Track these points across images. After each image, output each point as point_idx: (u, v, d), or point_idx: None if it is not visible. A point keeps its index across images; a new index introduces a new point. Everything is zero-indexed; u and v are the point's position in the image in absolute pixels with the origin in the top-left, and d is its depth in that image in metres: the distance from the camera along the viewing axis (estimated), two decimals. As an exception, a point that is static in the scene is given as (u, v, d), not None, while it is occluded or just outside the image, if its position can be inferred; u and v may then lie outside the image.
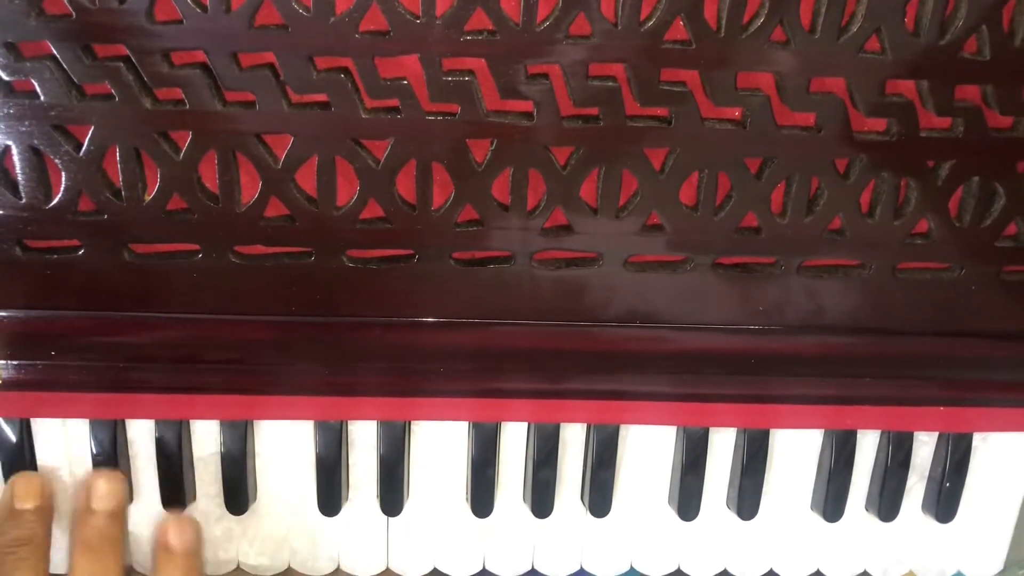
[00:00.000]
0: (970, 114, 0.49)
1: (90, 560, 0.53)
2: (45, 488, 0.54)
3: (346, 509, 0.59)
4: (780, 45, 0.47)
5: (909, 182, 0.51)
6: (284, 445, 0.58)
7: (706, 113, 0.48)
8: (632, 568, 0.63)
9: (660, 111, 0.48)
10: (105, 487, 0.55)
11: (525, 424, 0.59)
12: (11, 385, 0.53)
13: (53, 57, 0.45)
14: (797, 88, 0.48)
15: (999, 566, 0.65)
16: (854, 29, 0.47)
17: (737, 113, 0.49)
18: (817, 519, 0.62)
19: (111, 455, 0.56)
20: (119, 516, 0.55)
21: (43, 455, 0.57)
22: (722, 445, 0.60)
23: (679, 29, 0.46)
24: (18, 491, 0.54)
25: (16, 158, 0.47)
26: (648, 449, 0.60)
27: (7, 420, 0.56)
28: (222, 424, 0.57)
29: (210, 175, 0.48)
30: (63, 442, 0.57)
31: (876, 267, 0.53)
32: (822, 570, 0.64)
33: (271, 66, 0.46)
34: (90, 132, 0.47)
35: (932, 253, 0.53)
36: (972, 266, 0.53)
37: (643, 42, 0.46)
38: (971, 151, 0.50)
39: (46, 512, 0.54)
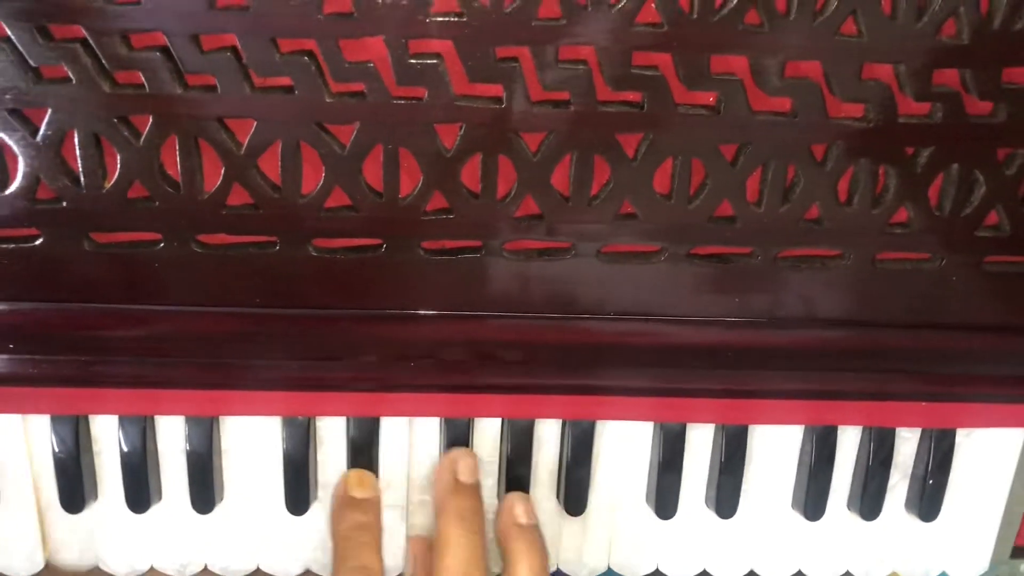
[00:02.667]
0: (949, 99, 0.48)
1: (468, 530, 0.53)
2: (375, 482, 0.57)
3: (315, 508, 0.58)
4: (754, 28, 0.46)
5: (887, 169, 0.50)
6: (251, 442, 0.57)
7: (679, 98, 0.47)
8: (609, 569, 0.62)
9: (632, 96, 0.47)
10: (471, 462, 0.56)
11: (498, 420, 0.58)
12: (-32, 380, 0.52)
13: (7, 39, 0.44)
14: (772, 72, 0.47)
15: (985, 566, 0.64)
16: (830, 11, 0.46)
17: (711, 98, 0.48)
18: (798, 518, 0.61)
19: (73, 452, 0.55)
20: (479, 490, 0.56)
21: (3, 452, 0.55)
22: (700, 442, 0.59)
23: (651, 11, 0.45)
24: (352, 483, 0.57)
25: (-29, 143, 0.46)
26: (624, 446, 0.59)
27: (-35, 417, 0.54)
28: (188, 420, 0.55)
29: (171, 161, 0.47)
30: (24, 439, 0.55)
31: (855, 257, 0.52)
32: (804, 570, 0.63)
33: (233, 48, 0.45)
34: (47, 116, 0.45)
35: (912, 243, 0.52)
36: (953, 256, 0.52)
37: (614, 25, 0.45)
38: (950, 137, 0.49)
39: (377, 503, 0.57)
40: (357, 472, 0.57)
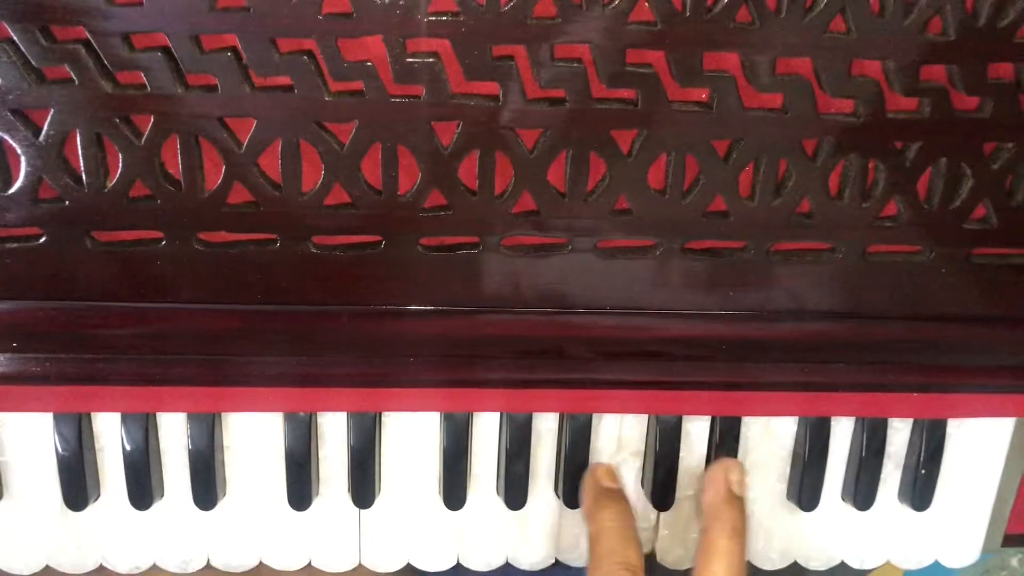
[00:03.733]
0: (936, 95, 0.49)
1: (737, 543, 0.54)
2: (619, 476, 0.59)
3: (317, 503, 0.59)
4: (746, 26, 0.47)
5: (877, 164, 0.51)
6: (253, 438, 0.58)
7: (672, 95, 0.48)
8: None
9: (626, 93, 0.48)
10: (741, 475, 0.57)
11: (497, 414, 0.58)
12: (-29, 379, 0.52)
13: (10, 40, 0.44)
14: (763, 69, 0.48)
15: (976, 555, 0.65)
16: (819, 9, 0.46)
17: (704, 95, 0.49)
18: (793, 509, 0.62)
19: (76, 450, 0.55)
20: (745, 503, 0.57)
21: (6, 450, 0.56)
22: (696, 433, 0.60)
23: (644, 10, 0.46)
24: (602, 474, 0.58)
25: (-26, 144, 0.47)
26: (621, 438, 0.59)
27: (-32, 415, 0.55)
28: (190, 417, 0.56)
29: (173, 160, 0.48)
30: (26, 437, 0.56)
31: (846, 250, 0.53)
32: (799, 560, 0.64)
33: (233, 49, 0.46)
34: (50, 116, 0.46)
35: (902, 236, 0.53)
36: (942, 249, 0.53)
37: (608, 23, 0.46)
38: (938, 132, 0.50)
39: (624, 494, 0.57)
40: (603, 465, 0.58)
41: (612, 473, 0.58)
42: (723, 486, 0.56)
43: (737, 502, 0.56)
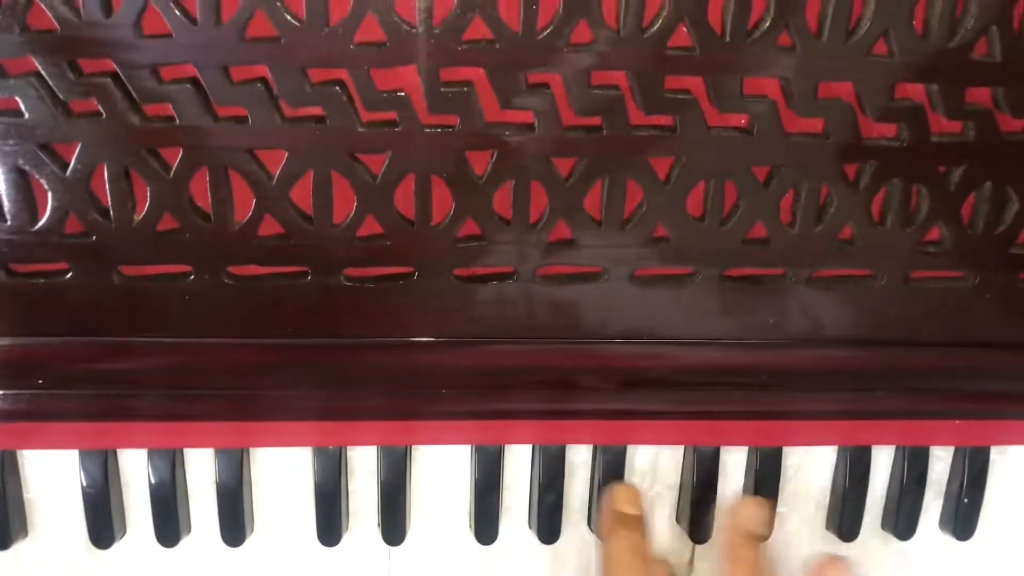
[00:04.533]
0: (981, 117, 0.48)
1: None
2: (641, 500, 0.56)
3: (346, 539, 0.57)
4: (786, 49, 0.46)
5: (920, 188, 0.50)
6: (282, 473, 0.56)
7: (712, 121, 0.47)
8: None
9: (664, 119, 0.47)
10: (766, 514, 0.56)
11: (530, 446, 0.57)
12: (-3, 416, 0.51)
13: (38, 73, 0.44)
14: (804, 93, 0.47)
15: (1020, 585, 0.64)
16: (862, 32, 0.45)
17: (743, 120, 0.48)
18: (832, 539, 0.60)
19: (102, 487, 0.54)
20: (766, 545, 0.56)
21: (32, 488, 0.55)
22: (734, 464, 0.58)
23: (683, 35, 0.45)
24: (622, 498, 0.55)
25: (0, 179, 0.46)
26: (657, 470, 0.58)
27: (-7, 453, 0.54)
28: (217, 452, 0.55)
29: (202, 193, 0.47)
30: (52, 475, 0.55)
31: (888, 277, 0.52)
32: (838, 592, 0.62)
33: (263, 80, 0.45)
34: (77, 151, 0.45)
35: (945, 261, 0.52)
36: (986, 274, 0.52)
37: (646, 49, 0.45)
38: (983, 155, 0.49)
39: (644, 523, 0.55)
40: (626, 487, 0.56)
41: (635, 497, 0.56)
42: (744, 525, 0.55)
43: (757, 542, 0.55)
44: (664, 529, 0.60)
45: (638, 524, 0.55)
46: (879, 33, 0.46)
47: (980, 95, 0.48)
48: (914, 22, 0.46)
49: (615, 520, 0.55)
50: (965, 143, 0.49)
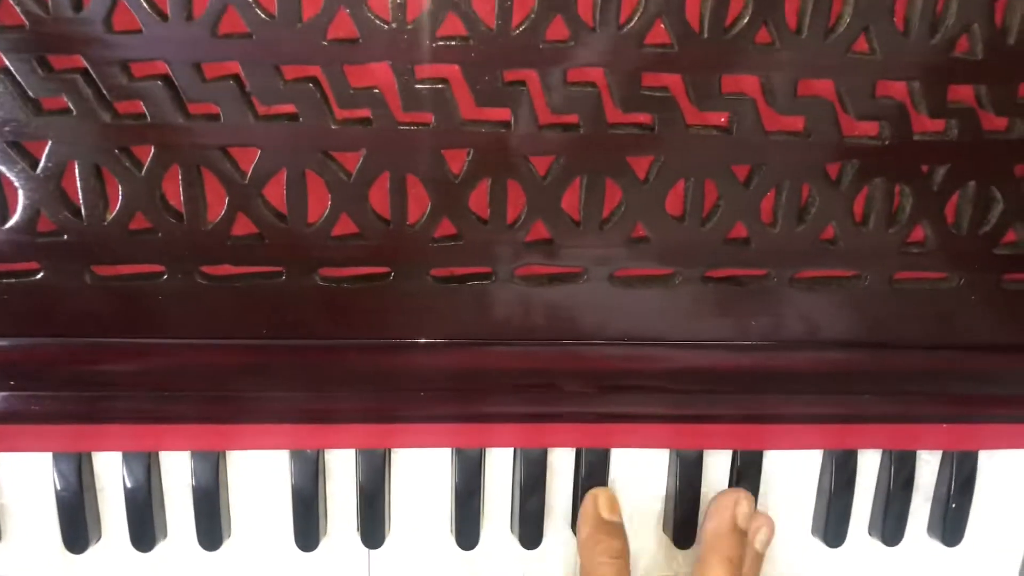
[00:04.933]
0: (964, 116, 0.47)
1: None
2: (619, 507, 0.56)
3: (324, 543, 0.57)
4: (765, 47, 0.45)
5: (903, 188, 0.49)
6: (259, 477, 0.56)
7: (690, 119, 0.47)
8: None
9: (643, 118, 0.47)
10: (749, 507, 0.56)
11: (511, 450, 0.56)
12: (-31, 418, 0.51)
13: (6, 70, 0.43)
14: (784, 91, 0.46)
15: (1010, 592, 0.63)
16: (841, 29, 0.45)
17: (723, 119, 0.47)
18: (818, 544, 0.60)
19: (76, 490, 0.54)
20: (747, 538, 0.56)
21: (3, 493, 0.54)
22: (717, 468, 0.58)
23: (660, 32, 0.45)
24: (603, 504, 0.55)
25: (-30, 177, 0.45)
26: (640, 474, 0.57)
27: (-35, 456, 0.53)
28: (193, 455, 0.54)
29: (174, 192, 0.46)
30: (25, 478, 0.54)
31: (871, 278, 0.51)
32: (825, 599, 0.62)
33: (236, 76, 0.44)
34: (47, 148, 0.45)
35: (929, 262, 0.51)
36: (971, 275, 0.51)
37: (623, 45, 0.45)
38: (966, 154, 0.48)
39: (623, 529, 0.55)
40: (606, 493, 0.56)
41: (614, 503, 0.56)
42: (728, 516, 0.55)
43: (740, 535, 0.54)
44: (647, 534, 0.59)
45: (619, 531, 0.54)
46: (859, 30, 0.45)
47: (963, 93, 0.47)
48: (895, 19, 0.45)
49: (598, 526, 0.54)
50: (948, 142, 0.48)
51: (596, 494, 0.55)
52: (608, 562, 0.53)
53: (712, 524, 0.55)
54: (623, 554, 0.54)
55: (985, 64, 0.46)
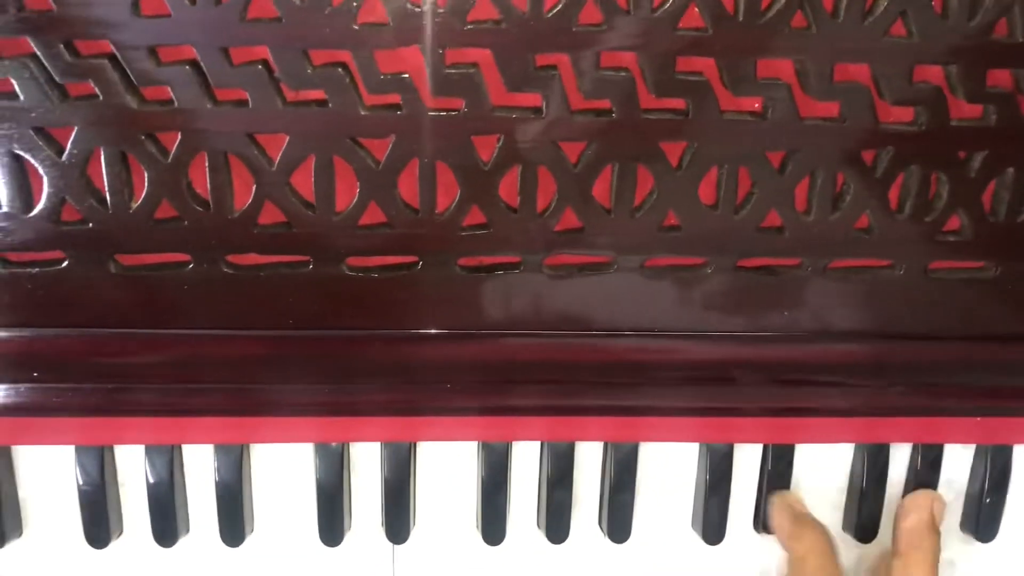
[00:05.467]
0: (1003, 101, 0.47)
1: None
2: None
3: (349, 538, 0.56)
4: (801, 30, 0.44)
5: (939, 175, 0.48)
6: (282, 471, 0.55)
7: (725, 105, 0.46)
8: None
9: (676, 103, 0.46)
10: (943, 508, 0.56)
11: (538, 443, 0.56)
12: (-9, 410, 0.50)
13: (33, 55, 0.43)
14: (820, 76, 0.46)
15: (1044, 589, 0.62)
16: (879, 12, 0.44)
17: (757, 104, 0.46)
18: (848, 539, 0.59)
19: (99, 484, 0.53)
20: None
21: (26, 485, 0.54)
22: (747, 462, 0.57)
23: (694, 15, 0.44)
24: (793, 499, 0.57)
25: (-6, 164, 0.45)
26: (670, 468, 0.57)
27: (-13, 448, 0.52)
28: (216, 449, 0.53)
29: (200, 179, 0.46)
30: (47, 472, 0.54)
31: (907, 267, 0.50)
32: (856, 595, 0.61)
33: (264, 61, 0.44)
34: (73, 135, 0.44)
35: (966, 251, 0.50)
36: (1009, 264, 0.50)
37: (656, 29, 0.44)
38: (1004, 141, 0.47)
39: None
40: (791, 493, 0.57)
41: (801, 501, 0.57)
42: (928, 514, 0.55)
43: (937, 534, 0.54)
44: (681, 538, 0.58)
45: (817, 521, 0.55)
46: (897, 13, 0.44)
47: (1001, 78, 0.46)
48: (933, 2, 0.44)
49: (800, 516, 0.55)
50: (986, 128, 0.47)
51: (784, 494, 0.57)
52: (821, 547, 0.54)
53: (909, 523, 0.55)
54: (830, 539, 0.55)
55: (1025, 47, 0.45)
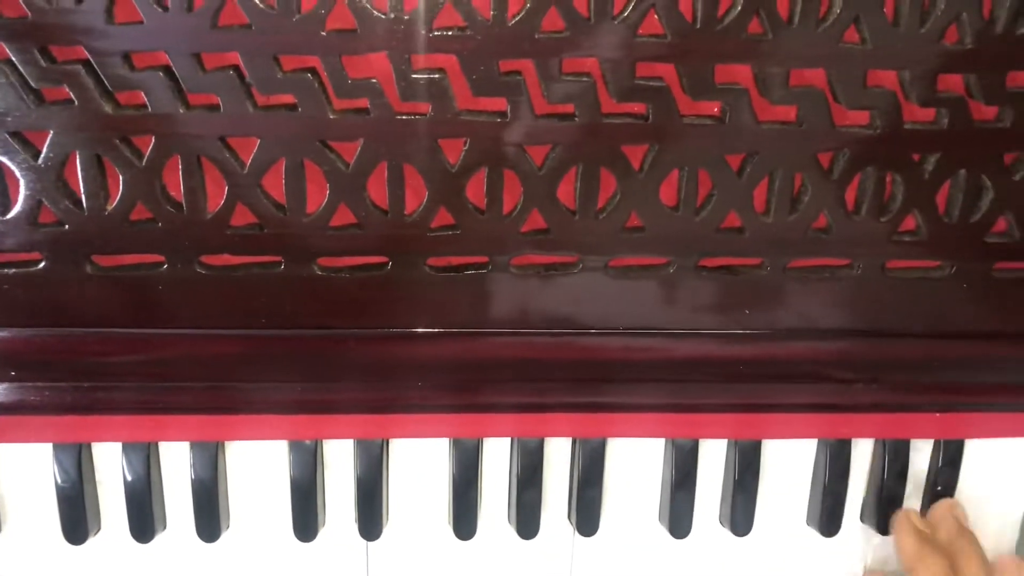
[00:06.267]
0: (954, 105, 0.48)
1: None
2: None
3: (323, 534, 0.57)
4: (758, 37, 0.46)
5: (894, 177, 0.50)
6: (257, 468, 0.56)
7: (684, 109, 0.47)
8: (624, 591, 0.61)
9: (637, 107, 0.47)
10: (964, 513, 0.59)
11: (508, 440, 0.57)
12: (-31, 409, 0.51)
13: (8, 60, 0.44)
14: (776, 81, 0.47)
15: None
16: (832, 19, 0.46)
17: (716, 108, 0.48)
18: (813, 534, 0.60)
19: (76, 481, 0.54)
20: None
21: (2, 483, 0.55)
22: (712, 458, 0.58)
23: (654, 22, 0.45)
24: (916, 518, 0.58)
25: (-28, 168, 0.46)
26: (637, 464, 0.58)
27: (-35, 447, 0.53)
28: (192, 446, 0.54)
29: (174, 182, 0.47)
30: (24, 469, 0.54)
31: (864, 266, 0.52)
32: (820, 588, 0.62)
33: (235, 67, 0.45)
34: (49, 139, 0.45)
35: (921, 251, 0.52)
36: (962, 263, 0.52)
37: (618, 36, 0.45)
38: (956, 143, 0.49)
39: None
40: (914, 511, 0.59)
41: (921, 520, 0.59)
42: (955, 522, 0.57)
43: (971, 532, 0.56)
44: (646, 531, 0.59)
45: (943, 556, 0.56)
46: (850, 20, 0.46)
47: (952, 82, 0.48)
48: (885, 9, 0.46)
49: (923, 541, 0.56)
50: (938, 131, 0.49)
51: (907, 512, 0.58)
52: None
53: (943, 532, 0.57)
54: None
55: (974, 53, 0.47)
